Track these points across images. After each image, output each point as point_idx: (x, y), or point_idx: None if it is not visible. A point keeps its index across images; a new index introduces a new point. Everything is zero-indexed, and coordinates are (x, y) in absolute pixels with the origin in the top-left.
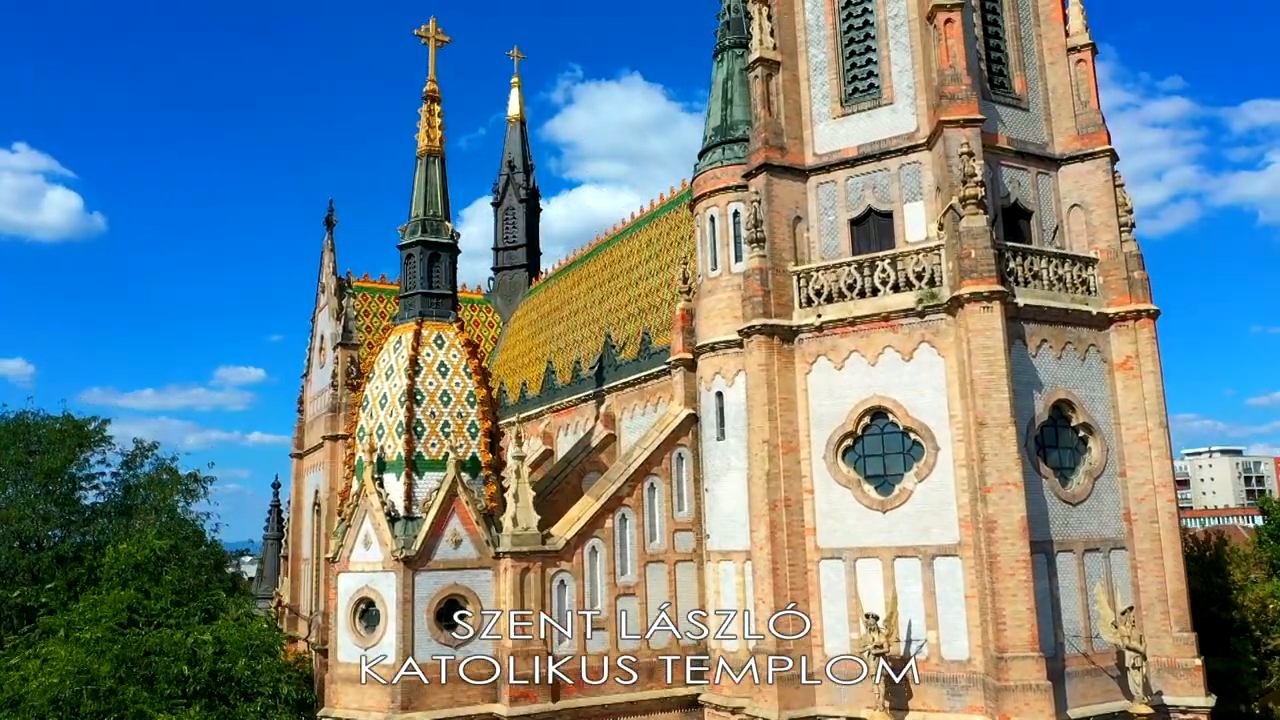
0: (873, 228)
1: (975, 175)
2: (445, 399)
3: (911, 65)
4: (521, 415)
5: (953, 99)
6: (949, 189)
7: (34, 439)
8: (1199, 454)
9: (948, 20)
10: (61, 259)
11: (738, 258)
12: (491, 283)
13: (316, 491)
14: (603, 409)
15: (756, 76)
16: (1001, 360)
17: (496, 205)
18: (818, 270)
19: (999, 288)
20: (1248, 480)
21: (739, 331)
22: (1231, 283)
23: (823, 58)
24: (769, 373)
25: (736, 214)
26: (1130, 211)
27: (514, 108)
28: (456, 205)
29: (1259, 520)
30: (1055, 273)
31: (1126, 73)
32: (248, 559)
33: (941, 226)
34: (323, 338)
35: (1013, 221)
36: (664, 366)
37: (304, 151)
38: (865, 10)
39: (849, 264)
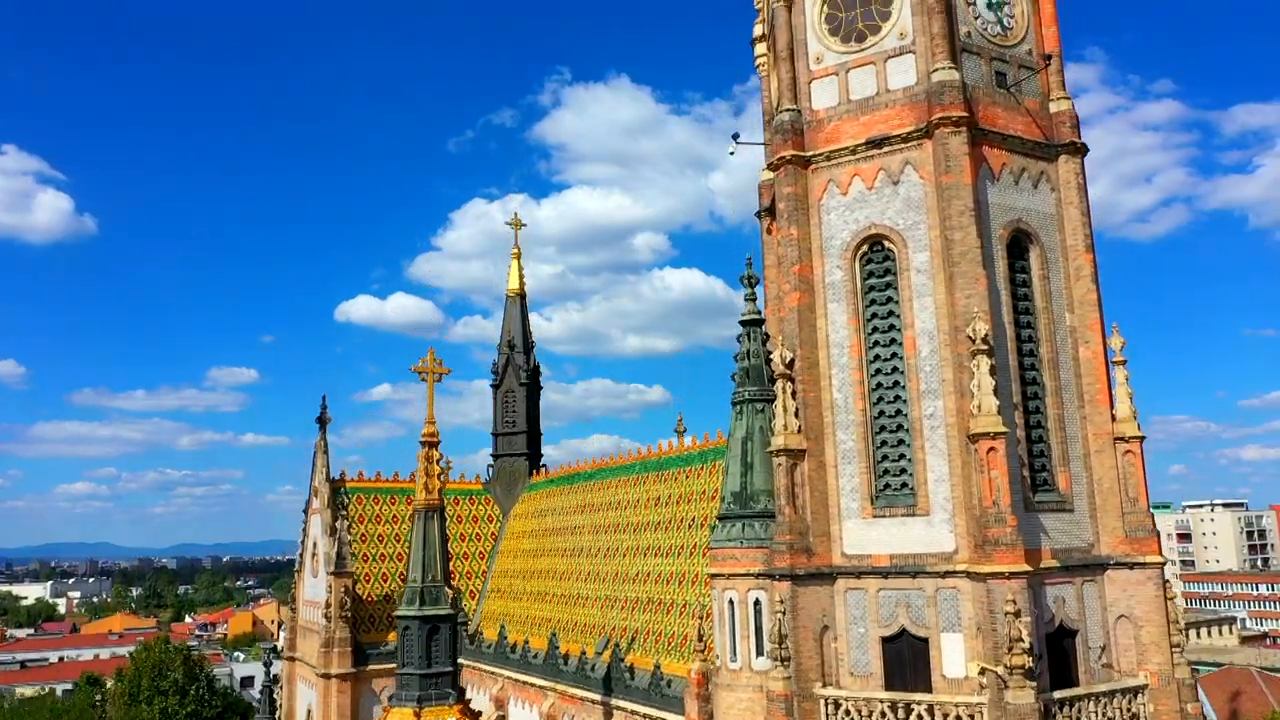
0: (906, 648)
1: (1023, 642)
2: None
3: (949, 475)
4: (523, 676)
5: (997, 544)
6: (993, 645)
7: None
8: (1200, 506)
9: (990, 449)
10: (53, 261)
11: (759, 652)
12: (490, 470)
13: (310, 709)
14: None
15: (780, 465)
16: None
17: (495, 387)
18: (848, 699)
19: None
20: (1249, 535)
21: None
22: (1223, 286)
23: (851, 445)
24: None
25: (758, 603)
26: (1182, 630)
27: (513, 282)
28: (445, 208)
29: (1262, 589)
30: (1104, 714)
31: (1116, 75)
32: (243, 666)
33: (983, 671)
34: (316, 544)
35: (1057, 643)
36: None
37: (299, 148)
38: (898, 399)
39: (882, 701)
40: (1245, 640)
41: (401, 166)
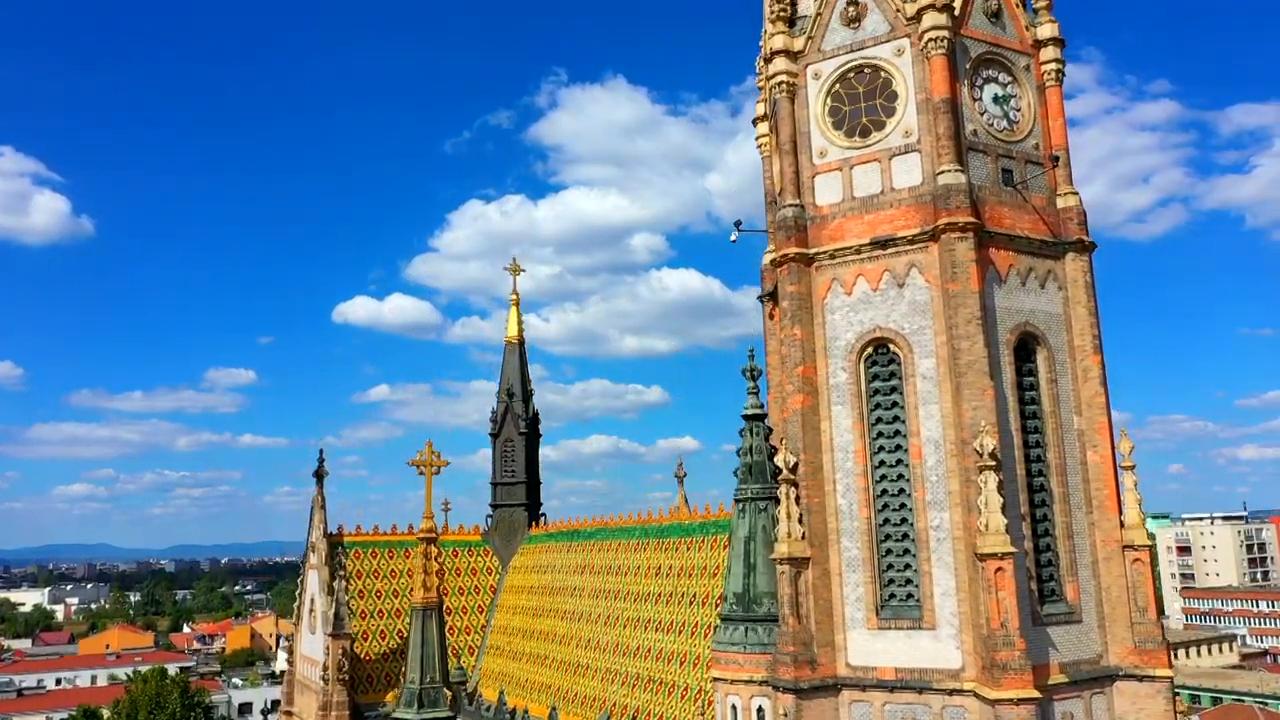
0: None
1: None
2: None
3: (955, 590)
4: None
5: (1005, 669)
6: None
7: None
8: (1200, 520)
9: (998, 569)
10: (50, 262)
11: None
12: (489, 520)
13: None
14: None
15: (784, 573)
16: None
17: (494, 436)
18: None
19: None
20: (1249, 548)
21: None
22: (1219, 286)
23: (856, 554)
24: None
25: (761, 710)
26: None
27: (512, 329)
28: (442, 209)
29: (1262, 606)
30: None
31: (1113, 75)
32: (240, 693)
33: None
34: (313, 600)
35: None
36: None
37: (295, 149)
38: (903, 507)
39: None
40: (1246, 657)
41: (398, 167)
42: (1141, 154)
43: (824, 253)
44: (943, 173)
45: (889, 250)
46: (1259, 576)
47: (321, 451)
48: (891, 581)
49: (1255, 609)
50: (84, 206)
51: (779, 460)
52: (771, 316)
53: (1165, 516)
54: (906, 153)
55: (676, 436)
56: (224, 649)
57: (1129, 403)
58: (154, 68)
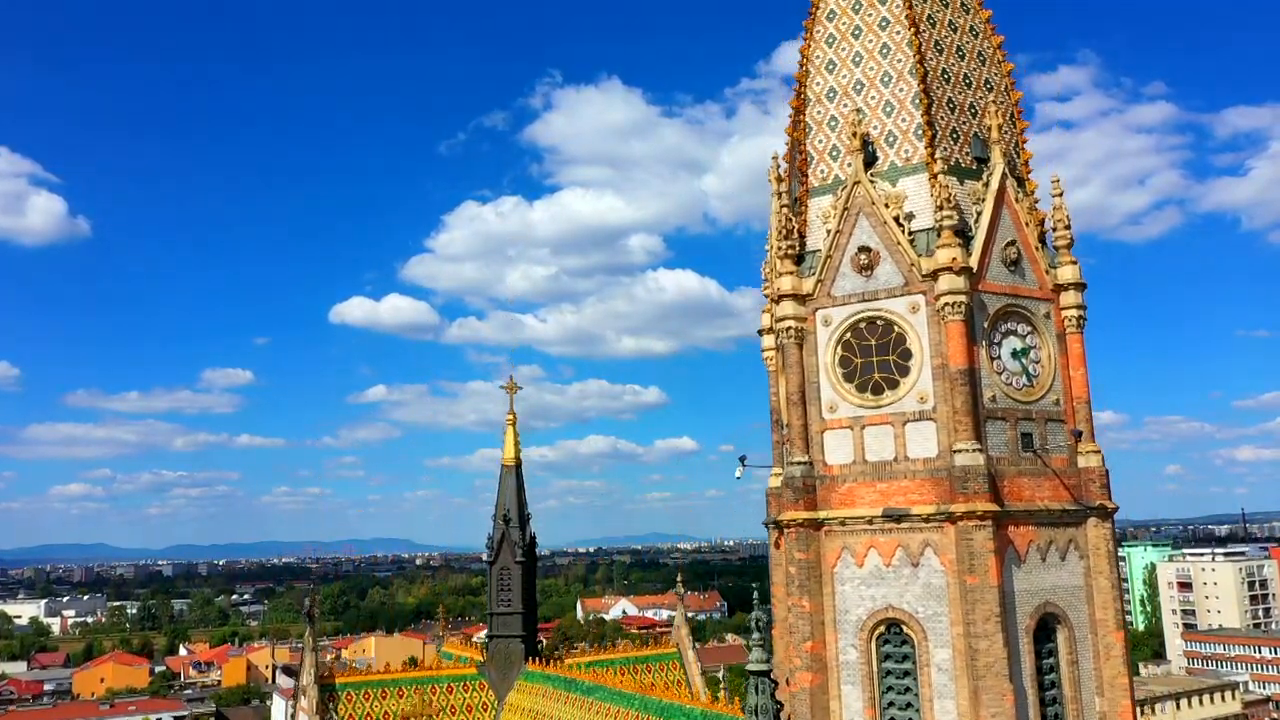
0: None
1: None
2: None
3: None
4: None
5: None
6: None
7: None
8: (1201, 555)
9: None
10: (46, 262)
11: None
12: (485, 649)
13: None
14: None
15: None
16: None
17: (491, 564)
18: None
19: None
20: (1251, 585)
21: None
22: (1216, 288)
23: None
24: None
25: None
26: None
27: (509, 452)
28: (437, 210)
29: (1265, 652)
30: None
31: (1109, 78)
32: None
33: None
34: None
35: None
36: None
37: (291, 150)
38: None
39: None
40: (1249, 705)
41: (393, 169)
42: (1138, 156)
43: (834, 518)
44: (960, 451)
45: (903, 525)
46: (1260, 614)
47: (313, 590)
48: None
49: (1258, 654)
50: (80, 207)
51: None
52: (777, 545)
53: (1166, 544)
54: (921, 420)
55: (675, 437)
56: (220, 681)
57: (1126, 404)
58: (150, 69)
